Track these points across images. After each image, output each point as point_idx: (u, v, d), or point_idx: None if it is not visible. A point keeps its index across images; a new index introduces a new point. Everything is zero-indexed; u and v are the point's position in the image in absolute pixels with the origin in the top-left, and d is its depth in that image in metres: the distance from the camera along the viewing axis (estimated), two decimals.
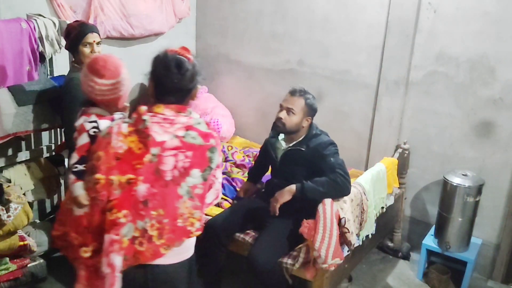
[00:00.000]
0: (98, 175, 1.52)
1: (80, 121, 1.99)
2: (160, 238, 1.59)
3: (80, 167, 1.85)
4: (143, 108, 1.59)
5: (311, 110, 2.61)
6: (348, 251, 2.53)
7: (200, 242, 1.84)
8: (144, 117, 1.57)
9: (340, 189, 2.40)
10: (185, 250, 1.72)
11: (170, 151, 1.57)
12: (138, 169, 1.54)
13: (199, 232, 1.68)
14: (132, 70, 3.06)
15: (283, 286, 2.47)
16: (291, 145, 2.63)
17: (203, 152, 1.63)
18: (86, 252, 1.58)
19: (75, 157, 1.90)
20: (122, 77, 2.02)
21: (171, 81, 1.61)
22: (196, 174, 1.63)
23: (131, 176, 1.54)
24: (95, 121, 1.99)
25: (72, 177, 1.85)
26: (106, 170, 1.53)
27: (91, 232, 1.58)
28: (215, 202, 1.81)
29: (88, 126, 1.97)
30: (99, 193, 1.53)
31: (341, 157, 2.54)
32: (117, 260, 1.53)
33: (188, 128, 1.61)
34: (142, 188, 1.55)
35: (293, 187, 2.45)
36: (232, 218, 2.63)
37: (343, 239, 2.43)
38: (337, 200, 2.39)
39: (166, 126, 1.58)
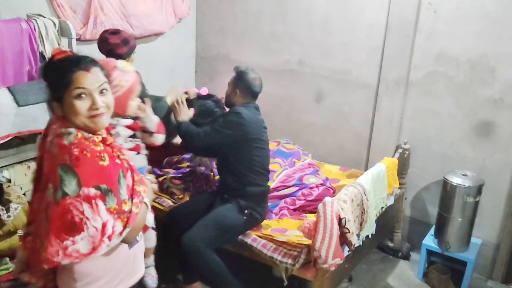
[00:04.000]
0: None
1: None
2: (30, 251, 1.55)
3: None
4: None
5: (237, 82, 2.72)
6: (348, 251, 2.53)
7: (164, 229, 1.79)
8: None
9: (190, 140, 2.66)
10: None
11: (46, 154, 1.48)
12: (37, 162, 1.57)
13: (44, 266, 1.41)
14: None
15: (217, 269, 2.53)
16: None
17: (55, 165, 1.39)
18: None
19: None
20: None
21: None
22: (50, 190, 1.40)
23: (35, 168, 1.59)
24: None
25: None
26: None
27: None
28: (92, 255, 1.41)
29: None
30: None
31: (341, 157, 2.55)
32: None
33: (56, 135, 1.44)
34: (42, 181, 1.54)
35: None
36: (192, 207, 2.74)
37: (343, 239, 2.43)
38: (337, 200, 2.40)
39: (52, 128, 1.51)
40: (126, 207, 1.45)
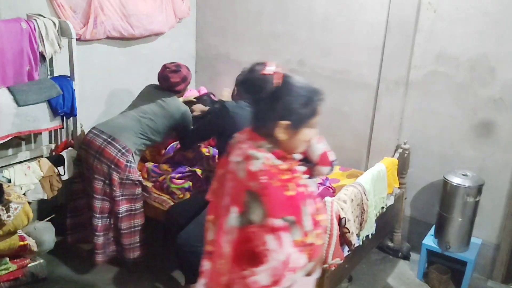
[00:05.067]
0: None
1: None
2: (212, 269, 1.48)
3: None
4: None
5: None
6: (348, 251, 2.53)
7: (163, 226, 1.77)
8: (236, 134, 1.53)
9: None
10: None
11: (229, 174, 1.43)
12: (219, 181, 1.50)
13: None
14: (132, 69, 3.09)
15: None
16: None
17: (241, 190, 1.35)
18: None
19: None
20: None
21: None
22: (233, 213, 1.36)
23: (216, 185, 1.52)
24: None
25: None
26: (217, 174, 1.58)
27: None
28: None
29: None
30: None
31: (341, 157, 2.54)
32: (203, 262, 1.56)
33: (245, 158, 1.38)
34: (225, 201, 1.44)
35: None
36: (190, 205, 2.72)
37: (343, 239, 2.43)
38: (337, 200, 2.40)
39: (237, 147, 1.45)
40: (310, 239, 1.36)
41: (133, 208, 2.80)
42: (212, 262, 1.47)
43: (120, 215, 2.74)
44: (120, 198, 2.73)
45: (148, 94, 2.98)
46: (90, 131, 2.82)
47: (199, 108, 3.25)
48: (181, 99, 3.09)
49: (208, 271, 1.53)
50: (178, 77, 2.93)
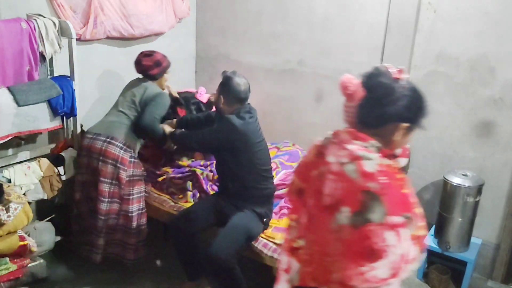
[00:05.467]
0: (293, 176, 1.64)
1: None
2: (308, 266, 1.49)
3: None
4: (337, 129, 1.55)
5: (221, 89, 2.67)
6: None
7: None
8: (327, 135, 1.55)
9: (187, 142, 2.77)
10: None
11: (331, 175, 1.43)
12: (307, 181, 1.53)
13: (336, 287, 1.40)
14: (132, 70, 3.08)
15: (241, 283, 2.51)
16: None
17: (355, 190, 1.36)
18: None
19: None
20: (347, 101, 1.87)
21: (365, 93, 1.49)
22: (345, 213, 1.37)
23: (303, 185, 1.55)
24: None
25: None
26: (297, 173, 1.62)
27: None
28: (393, 281, 1.35)
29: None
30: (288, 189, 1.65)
31: None
32: (283, 259, 1.58)
33: (352, 158, 1.40)
34: (310, 202, 1.49)
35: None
36: (194, 213, 2.67)
37: None
38: None
39: (336, 149, 1.47)
40: (420, 232, 1.41)
41: (141, 207, 2.85)
42: (304, 259, 1.50)
43: (131, 214, 2.78)
44: (131, 197, 2.77)
45: (127, 88, 3.01)
46: (85, 137, 2.84)
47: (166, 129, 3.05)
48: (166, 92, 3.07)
49: (297, 268, 1.55)
50: (150, 61, 2.93)
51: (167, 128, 2.90)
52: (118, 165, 2.71)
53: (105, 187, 2.73)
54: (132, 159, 2.79)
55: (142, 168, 2.89)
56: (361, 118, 1.49)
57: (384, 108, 1.46)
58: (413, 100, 1.50)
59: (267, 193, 2.69)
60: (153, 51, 3.01)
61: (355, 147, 1.42)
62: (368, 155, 1.40)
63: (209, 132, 2.66)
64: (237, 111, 2.59)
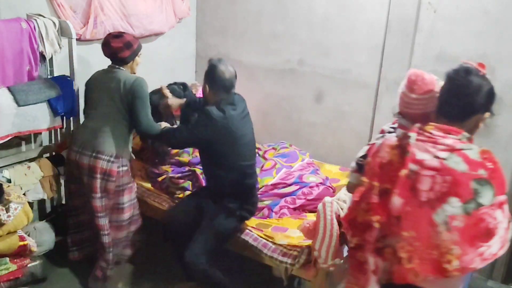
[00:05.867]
0: (363, 177, 1.68)
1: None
2: (410, 262, 1.53)
3: (362, 161, 1.93)
4: (417, 124, 1.64)
5: (206, 76, 2.59)
6: (348, 251, 2.53)
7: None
8: (410, 134, 1.60)
9: (165, 138, 2.66)
10: None
11: (428, 171, 1.51)
12: (395, 182, 1.56)
13: (457, 274, 1.48)
14: None
15: (220, 281, 2.54)
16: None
17: (465, 180, 1.47)
18: (351, 243, 1.74)
19: (364, 150, 1.97)
20: (431, 95, 1.86)
21: (455, 88, 1.64)
22: (454, 203, 1.47)
23: (387, 185, 1.59)
24: (394, 127, 2.05)
25: (354, 166, 1.97)
26: (371, 175, 1.65)
27: (355, 227, 1.71)
28: (500, 253, 1.52)
29: (386, 128, 2.09)
30: (356, 192, 1.70)
31: (341, 157, 2.54)
32: (370, 260, 1.62)
33: (453, 151, 1.51)
34: (397, 202, 1.54)
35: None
36: (186, 213, 2.68)
37: (343, 239, 2.43)
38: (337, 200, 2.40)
39: (428, 145, 1.55)
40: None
41: (134, 214, 2.80)
42: (401, 257, 1.54)
43: (121, 224, 2.74)
44: (121, 206, 2.71)
45: (98, 83, 2.72)
46: (72, 149, 2.68)
47: (176, 103, 3.00)
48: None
49: (383, 267, 1.61)
50: (120, 42, 2.64)
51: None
52: (106, 177, 2.60)
53: (98, 203, 2.62)
54: (121, 168, 2.64)
55: (131, 174, 2.76)
56: (449, 113, 1.62)
57: (473, 103, 1.61)
58: (493, 92, 1.68)
59: (247, 187, 2.66)
60: (123, 32, 2.78)
61: (451, 141, 1.53)
62: (467, 146, 1.53)
63: (186, 128, 2.58)
64: (218, 102, 2.52)
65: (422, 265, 1.51)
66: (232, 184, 2.59)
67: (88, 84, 2.78)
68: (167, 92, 3.05)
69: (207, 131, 2.48)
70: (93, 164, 2.57)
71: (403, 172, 1.54)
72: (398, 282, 1.57)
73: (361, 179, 1.68)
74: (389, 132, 2.02)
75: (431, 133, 1.57)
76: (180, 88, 3.22)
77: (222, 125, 2.46)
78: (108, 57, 2.70)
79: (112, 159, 2.59)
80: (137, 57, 2.74)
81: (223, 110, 2.48)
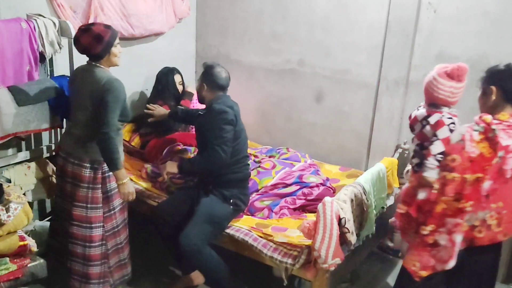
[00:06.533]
0: (454, 174, 1.90)
1: (435, 117, 2.24)
2: (498, 227, 2.00)
3: (441, 157, 2.07)
4: (489, 117, 1.95)
5: (204, 77, 2.77)
6: (348, 251, 2.53)
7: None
8: (493, 126, 1.90)
9: (211, 163, 2.64)
10: None
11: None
12: (487, 170, 1.88)
13: None
14: (132, 69, 3.09)
15: (216, 265, 2.59)
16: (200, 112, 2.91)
17: None
18: (424, 230, 2.00)
19: (441, 147, 2.11)
20: (464, 83, 2.31)
21: None
22: None
23: (479, 175, 1.88)
24: (451, 118, 2.24)
25: (435, 163, 2.09)
26: (462, 170, 1.89)
27: (433, 216, 1.98)
28: None
29: (447, 121, 2.22)
30: (447, 188, 1.91)
31: (341, 157, 2.56)
32: (459, 239, 1.96)
33: None
34: (486, 184, 1.90)
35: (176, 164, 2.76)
36: (176, 204, 2.79)
37: (343, 239, 2.43)
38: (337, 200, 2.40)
39: (510, 132, 1.90)
40: None
41: (124, 217, 2.71)
42: (490, 224, 1.99)
43: (117, 229, 2.65)
44: (113, 211, 2.61)
45: (80, 84, 2.51)
46: (60, 155, 2.62)
47: (157, 113, 3.21)
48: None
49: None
50: (89, 37, 2.37)
51: (171, 168, 2.73)
52: (91, 185, 2.50)
53: (77, 211, 2.53)
54: (106, 173, 2.51)
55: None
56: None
57: None
58: None
59: (240, 177, 2.79)
60: (92, 24, 2.53)
61: None
62: None
63: (221, 136, 2.60)
64: (222, 102, 2.70)
65: (509, 226, 2.00)
66: (228, 173, 2.71)
67: (69, 84, 2.65)
68: (149, 106, 3.26)
69: (231, 116, 2.66)
70: (77, 172, 2.50)
71: (494, 160, 1.87)
72: (487, 243, 2.01)
73: (453, 176, 1.89)
74: (452, 123, 2.22)
75: (508, 122, 1.92)
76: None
77: (234, 114, 2.69)
78: (82, 54, 2.48)
79: (95, 166, 2.50)
80: (113, 48, 2.45)
81: (231, 106, 2.70)
